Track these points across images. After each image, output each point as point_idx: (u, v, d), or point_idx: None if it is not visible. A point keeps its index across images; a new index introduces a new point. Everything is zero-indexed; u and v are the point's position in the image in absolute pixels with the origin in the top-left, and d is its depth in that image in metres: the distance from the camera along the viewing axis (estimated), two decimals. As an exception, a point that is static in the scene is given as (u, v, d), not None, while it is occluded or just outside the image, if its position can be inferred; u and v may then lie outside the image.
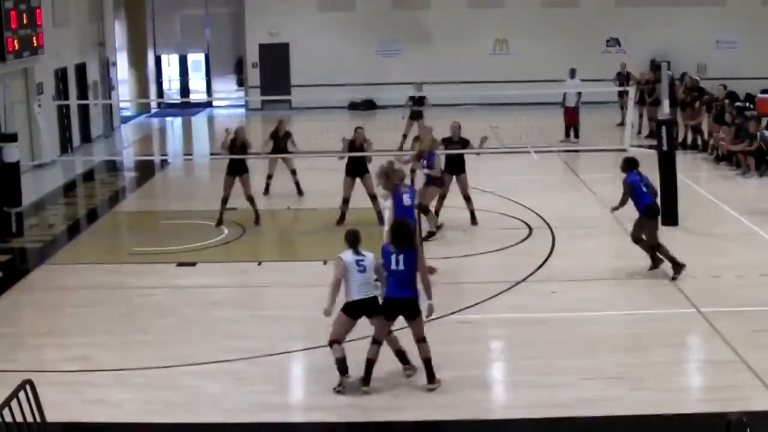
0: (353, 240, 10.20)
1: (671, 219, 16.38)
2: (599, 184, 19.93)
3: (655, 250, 13.77)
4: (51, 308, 13.17)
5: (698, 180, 19.92)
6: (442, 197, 16.71)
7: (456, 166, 16.85)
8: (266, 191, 19.59)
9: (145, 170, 23.74)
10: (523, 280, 13.68)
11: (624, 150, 21.42)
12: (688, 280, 13.41)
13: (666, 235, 16.02)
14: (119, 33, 33.02)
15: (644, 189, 13.89)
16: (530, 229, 16.51)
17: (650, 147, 20.69)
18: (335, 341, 10.10)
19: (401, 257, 9.82)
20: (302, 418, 9.74)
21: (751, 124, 20.96)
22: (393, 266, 9.85)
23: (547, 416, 9.43)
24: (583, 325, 11.88)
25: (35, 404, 7.89)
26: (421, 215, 15.16)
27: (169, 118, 34.25)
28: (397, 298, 9.86)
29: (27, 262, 15.74)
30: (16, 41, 21.06)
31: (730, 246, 15.44)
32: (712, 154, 22.55)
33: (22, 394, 7.79)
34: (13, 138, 17.18)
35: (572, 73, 26.14)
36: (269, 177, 19.66)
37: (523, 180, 20.59)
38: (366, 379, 9.93)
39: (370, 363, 9.95)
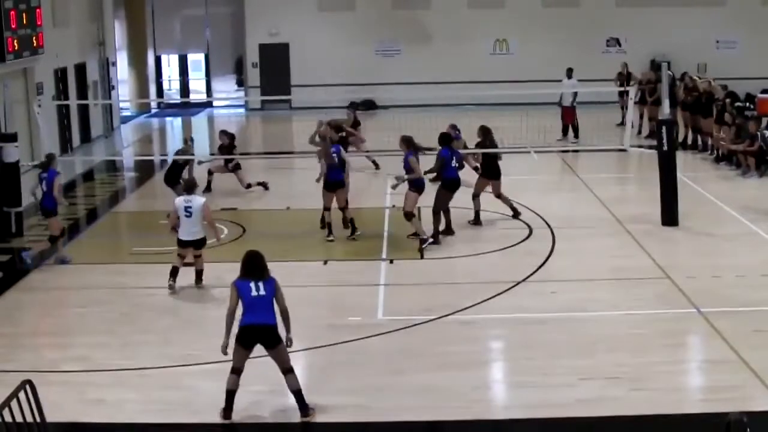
0: (189, 188, 13.58)
1: (671, 219, 16.38)
2: (599, 184, 19.94)
3: (435, 215, 15.61)
4: (51, 308, 13.17)
5: (698, 180, 19.91)
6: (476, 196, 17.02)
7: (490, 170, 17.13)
8: (208, 188, 19.74)
9: (145, 170, 23.72)
10: (523, 280, 13.68)
11: (624, 150, 21.51)
12: (688, 281, 13.41)
13: (667, 235, 16.07)
14: (119, 33, 33.03)
15: (454, 164, 15.64)
16: (530, 229, 16.51)
17: (650, 147, 20.71)
18: (179, 254, 13.46)
19: (261, 284, 9.21)
20: (302, 419, 9.73)
21: (751, 124, 20.96)
22: (253, 293, 9.16)
23: (546, 416, 9.42)
24: (583, 325, 11.88)
25: (35, 404, 7.88)
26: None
27: (168, 118, 34.26)
28: (255, 324, 9.12)
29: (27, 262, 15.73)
30: (15, 41, 21.05)
31: (730, 246, 15.43)
32: (713, 154, 22.55)
33: (22, 394, 7.79)
34: (12, 138, 17.19)
35: (569, 73, 26.17)
36: (210, 173, 20.06)
37: (523, 180, 20.58)
38: (227, 410, 9.34)
39: (229, 394, 9.34)
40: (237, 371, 9.38)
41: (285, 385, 10.28)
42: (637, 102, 24.50)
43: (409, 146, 15.58)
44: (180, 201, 13.41)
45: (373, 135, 23.10)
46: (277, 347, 9.24)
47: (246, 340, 9.22)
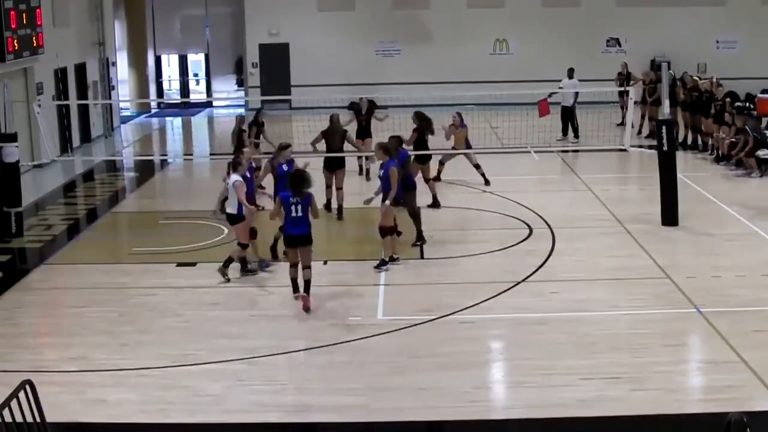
0: (234, 166, 13.97)
1: (671, 219, 16.38)
2: (599, 184, 19.94)
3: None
4: (51, 308, 13.17)
5: (698, 180, 19.92)
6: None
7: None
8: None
9: (145, 170, 23.74)
10: (523, 280, 13.67)
11: (624, 150, 21.53)
12: (688, 280, 13.41)
13: (667, 234, 16.07)
14: (119, 33, 33.04)
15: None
16: (530, 229, 16.51)
17: (650, 147, 20.71)
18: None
19: (300, 206, 12.22)
20: (302, 419, 9.73)
21: (738, 119, 21.06)
22: (293, 213, 12.23)
23: (547, 416, 9.42)
24: (583, 325, 11.87)
25: (35, 404, 7.87)
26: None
27: (168, 118, 34.28)
28: (294, 235, 12.39)
29: (27, 262, 15.74)
30: (15, 41, 21.06)
31: (730, 246, 15.41)
32: (713, 154, 22.54)
33: (22, 395, 7.77)
34: (12, 138, 17.17)
35: (570, 73, 26.14)
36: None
37: (524, 180, 20.58)
38: (294, 289, 12.71)
39: (293, 281, 12.69)
40: (294, 265, 12.60)
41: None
42: (637, 102, 24.53)
43: (388, 153, 14.45)
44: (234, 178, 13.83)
45: (372, 134, 23.06)
46: (306, 247, 12.47)
47: (290, 243, 12.54)
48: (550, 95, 24.54)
